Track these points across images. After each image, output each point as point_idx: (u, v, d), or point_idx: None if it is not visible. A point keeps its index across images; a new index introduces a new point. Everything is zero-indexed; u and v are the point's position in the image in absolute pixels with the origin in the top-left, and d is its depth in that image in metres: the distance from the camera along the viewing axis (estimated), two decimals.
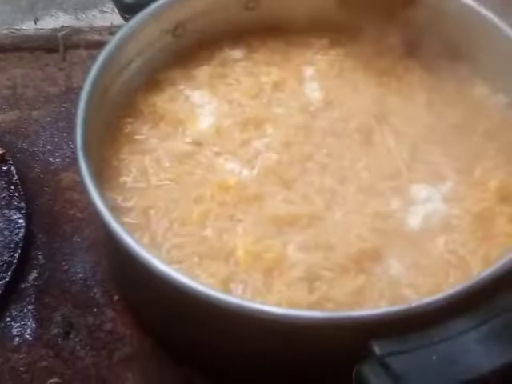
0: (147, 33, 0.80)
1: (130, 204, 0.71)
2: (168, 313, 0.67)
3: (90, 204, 0.65)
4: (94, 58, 0.98)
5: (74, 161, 0.87)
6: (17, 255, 0.79)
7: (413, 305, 0.60)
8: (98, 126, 0.72)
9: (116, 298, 0.77)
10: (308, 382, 0.65)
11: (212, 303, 0.59)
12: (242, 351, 0.65)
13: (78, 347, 0.74)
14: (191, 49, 0.84)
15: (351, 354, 0.57)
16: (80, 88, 0.94)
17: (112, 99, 0.77)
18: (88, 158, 0.67)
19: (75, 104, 0.93)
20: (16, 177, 0.85)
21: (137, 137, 0.77)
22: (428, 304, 0.59)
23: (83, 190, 0.82)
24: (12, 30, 1.04)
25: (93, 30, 1.04)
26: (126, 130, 0.77)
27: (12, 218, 0.81)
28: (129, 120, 0.78)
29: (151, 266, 0.61)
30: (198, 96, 0.80)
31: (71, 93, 0.97)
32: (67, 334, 0.74)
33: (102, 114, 0.74)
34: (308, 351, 0.62)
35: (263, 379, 0.67)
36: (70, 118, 0.91)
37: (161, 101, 0.79)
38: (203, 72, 0.82)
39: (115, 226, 0.62)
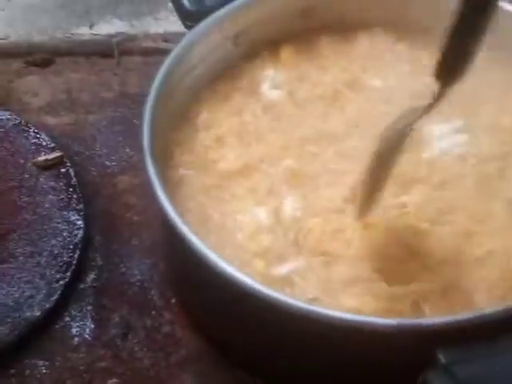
0: (210, 40, 0.80)
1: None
2: (230, 316, 0.68)
3: (158, 206, 0.65)
4: (148, 65, 1.00)
5: (130, 165, 0.89)
6: (76, 256, 0.79)
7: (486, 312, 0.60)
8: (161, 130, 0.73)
9: (173, 300, 0.77)
10: None
11: (281, 308, 0.59)
12: (302, 356, 0.65)
13: (136, 348, 0.74)
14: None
15: (415, 361, 0.57)
16: (135, 94, 0.96)
17: (174, 105, 0.77)
18: (155, 161, 0.67)
19: (131, 109, 0.95)
20: (74, 179, 0.86)
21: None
22: (500, 312, 0.59)
23: (141, 194, 0.85)
24: (67, 35, 1.06)
25: (147, 36, 1.06)
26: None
27: (70, 219, 0.82)
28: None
29: (219, 268, 0.61)
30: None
31: (126, 98, 0.98)
32: (125, 335, 0.75)
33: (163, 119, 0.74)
34: (371, 357, 0.62)
35: None
36: (126, 122, 0.93)
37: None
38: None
39: (183, 227, 0.63)
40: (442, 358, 0.57)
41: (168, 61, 0.76)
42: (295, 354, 0.65)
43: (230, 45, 0.83)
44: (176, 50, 0.77)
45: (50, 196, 0.85)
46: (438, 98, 0.60)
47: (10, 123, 0.92)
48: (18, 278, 0.77)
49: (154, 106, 0.72)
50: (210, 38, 0.80)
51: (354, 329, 0.59)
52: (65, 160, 0.88)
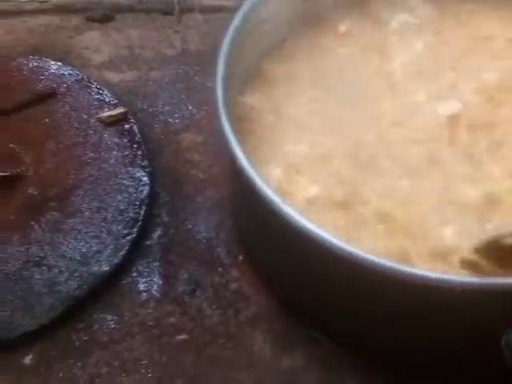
0: None
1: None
2: (300, 272, 0.67)
3: (231, 158, 0.64)
4: (208, 22, 0.99)
5: (193, 122, 0.88)
6: (142, 212, 0.79)
7: None
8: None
9: (240, 258, 0.77)
10: (448, 349, 0.64)
11: (357, 264, 0.58)
12: (377, 315, 0.64)
13: (205, 305, 0.74)
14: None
15: (497, 320, 0.56)
16: (197, 51, 0.95)
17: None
18: (228, 114, 0.66)
19: (193, 66, 0.95)
20: (138, 135, 0.85)
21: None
22: None
23: (204, 152, 0.84)
24: None
25: None
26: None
27: (136, 175, 0.82)
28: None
29: (295, 223, 0.60)
30: None
31: (188, 55, 0.97)
32: (193, 291, 0.74)
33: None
34: (453, 316, 0.60)
35: (389, 346, 0.66)
36: (188, 79, 0.92)
37: None
38: None
39: (259, 180, 0.62)
40: None
41: (238, 16, 0.74)
42: (369, 316, 0.64)
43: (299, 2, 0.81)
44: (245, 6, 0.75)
45: (115, 152, 0.84)
46: None
47: (72, 78, 0.92)
48: (85, 232, 0.77)
49: (226, 61, 0.70)
50: None
51: (436, 288, 0.58)
52: (128, 116, 0.87)
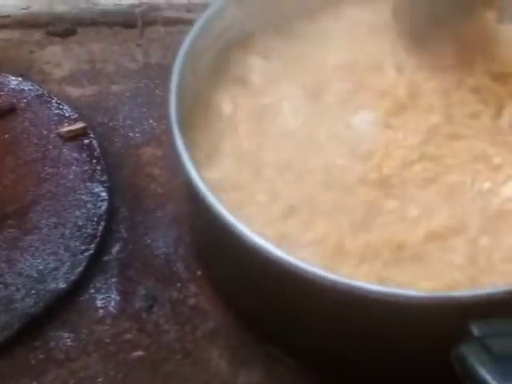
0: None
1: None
2: (256, 288, 0.67)
3: (185, 178, 0.64)
4: (171, 35, 0.99)
5: (153, 136, 0.88)
6: (100, 228, 0.79)
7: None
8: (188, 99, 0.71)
9: (199, 273, 0.76)
10: (396, 363, 0.65)
11: (310, 280, 0.58)
12: (331, 330, 0.65)
13: (162, 321, 0.74)
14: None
15: (445, 335, 0.56)
16: (159, 65, 0.96)
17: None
18: (181, 131, 0.66)
19: (154, 80, 0.94)
20: (98, 150, 0.85)
21: None
22: None
23: (165, 166, 0.84)
24: (90, 5, 1.05)
25: (170, 6, 1.04)
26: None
27: (94, 191, 0.82)
28: None
29: (247, 239, 0.60)
30: None
31: (150, 69, 0.97)
32: (151, 307, 0.74)
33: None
34: (402, 330, 0.61)
35: (348, 360, 0.66)
36: (149, 93, 0.92)
37: None
38: None
39: (210, 196, 0.62)
40: (475, 331, 0.56)
41: (193, 30, 0.74)
42: (325, 329, 0.64)
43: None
44: (201, 20, 0.75)
45: (74, 167, 0.84)
46: None
47: (32, 94, 0.91)
48: (43, 249, 0.77)
49: (180, 74, 0.70)
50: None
51: (385, 301, 0.58)
52: (88, 131, 0.87)
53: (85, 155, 0.85)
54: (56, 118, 0.89)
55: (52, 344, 0.72)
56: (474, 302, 0.58)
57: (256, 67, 0.78)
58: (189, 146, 0.66)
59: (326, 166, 0.69)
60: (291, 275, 0.59)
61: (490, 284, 0.62)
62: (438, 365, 0.59)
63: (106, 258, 0.78)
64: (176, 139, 0.65)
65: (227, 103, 0.75)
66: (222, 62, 0.78)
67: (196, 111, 0.74)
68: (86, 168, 0.83)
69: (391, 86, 0.74)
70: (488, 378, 0.54)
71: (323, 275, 0.58)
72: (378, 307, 0.59)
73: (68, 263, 0.76)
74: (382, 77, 0.75)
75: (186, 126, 0.68)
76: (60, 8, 1.04)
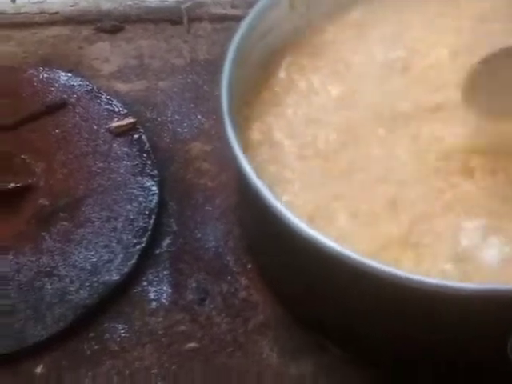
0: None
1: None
2: (305, 278, 0.67)
3: (237, 168, 0.64)
4: (217, 31, 1.00)
5: (201, 131, 0.89)
6: (151, 221, 0.80)
7: None
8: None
9: (249, 266, 0.77)
10: (447, 356, 0.65)
11: (360, 271, 0.59)
12: (379, 321, 0.65)
13: (214, 313, 0.74)
14: None
15: (498, 328, 0.57)
16: (206, 60, 0.97)
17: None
18: (233, 122, 0.67)
19: (201, 75, 0.95)
20: (147, 145, 0.86)
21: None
22: None
23: (213, 161, 0.85)
24: (136, 2, 1.05)
25: (216, 3, 1.05)
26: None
27: (145, 185, 0.83)
28: None
29: (298, 229, 0.61)
30: None
31: (197, 65, 0.98)
32: (202, 300, 0.75)
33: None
34: (450, 324, 0.61)
35: (397, 353, 0.67)
36: (197, 89, 0.93)
37: None
38: None
39: (263, 188, 0.63)
40: None
41: (244, 25, 0.75)
42: (373, 320, 0.65)
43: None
44: (251, 15, 0.76)
45: (124, 162, 0.85)
46: None
47: (82, 89, 0.92)
48: (95, 242, 0.78)
49: (230, 70, 0.70)
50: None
51: (436, 293, 0.58)
52: (137, 126, 0.88)
53: (135, 150, 0.86)
54: (106, 113, 0.90)
55: (106, 335, 0.73)
56: None
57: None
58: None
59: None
60: (342, 265, 0.59)
61: None
62: (494, 356, 0.59)
63: (157, 252, 0.79)
64: (228, 129, 0.66)
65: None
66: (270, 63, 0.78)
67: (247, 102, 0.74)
68: (137, 162, 0.84)
69: None
70: None
71: (381, 268, 0.58)
72: (427, 298, 0.59)
73: (121, 256, 0.77)
74: None
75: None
76: (107, 5, 1.05)
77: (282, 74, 0.79)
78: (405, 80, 0.76)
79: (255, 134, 0.74)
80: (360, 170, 0.70)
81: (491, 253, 0.63)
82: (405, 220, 0.66)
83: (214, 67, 0.92)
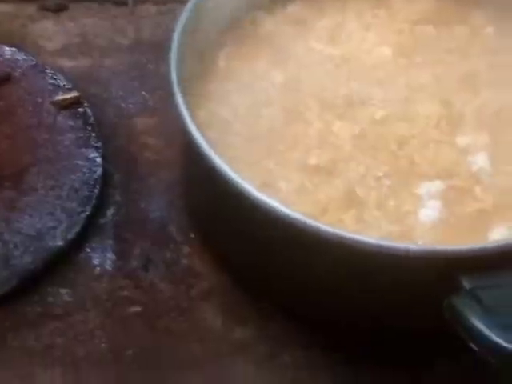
0: None
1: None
2: (251, 244, 0.69)
3: (187, 137, 0.66)
4: (162, 14, 1.01)
5: (146, 107, 0.90)
6: (96, 191, 0.80)
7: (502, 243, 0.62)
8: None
9: (192, 235, 0.78)
10: (388, 315, 0.67)
11: (304, 231, 0.61)
12: (324, 285, 0.67)
13: (157, 280, 0.75)
14: None
15: (436, 288, 0.59)
16: (150, 41, 0.97)
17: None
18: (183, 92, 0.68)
19: (145, 55, 0.96)
20: (92, 118, 0.87)
21: None
22: None
23: (158, 135, 0.86)
24: None
25: None
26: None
27: (90, 156, 0.83)
28: None
29: (244, 190, 0.63)
30: None
31: (141, 45, 0.99)
32: (146, 267, 0.76)
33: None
34: (393, 283, 0.63)
35: (342, 316, 0.69)
36: (142, 67, 0.94)
37: None
38: None
39: (208, 150, 0.64)
40: (466, 283, 0.59)
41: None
42: (321, 284, 0.67)
43: None
44: None
45: (69, 134, 0.85)
46: None
47: (27, 64, 0.93)
48: (40, 209, 0.78)
49: (179, 42, 0.72)
50: None
51: (377, 254, 0.61)
52: (82, 100, 0.88)
53: (79, 122, 0.86)
54: (50, 87, 0.90)
55: (50, 299, 0.74)
56: (463, 256, 0.61)
57: None
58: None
59: None
60: (288, 227, 0.61)
61: None
62: (429, 316, 0.61)
63: (102, 221, 0.80)
64: (177, 99, 0.67)
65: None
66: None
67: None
68: (81, 135, 0.85)
69: None
70: (480, 326, 0.56)
71: (314, 225, 0.60)
72: (367, 258, 0.61)
73: (65, 223, 0.77)
74: None
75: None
76: None
77: (221, 62, 0.81)
78: (346, 73, 0.79)
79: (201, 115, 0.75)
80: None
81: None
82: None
83: (158, 48, 0.92)
